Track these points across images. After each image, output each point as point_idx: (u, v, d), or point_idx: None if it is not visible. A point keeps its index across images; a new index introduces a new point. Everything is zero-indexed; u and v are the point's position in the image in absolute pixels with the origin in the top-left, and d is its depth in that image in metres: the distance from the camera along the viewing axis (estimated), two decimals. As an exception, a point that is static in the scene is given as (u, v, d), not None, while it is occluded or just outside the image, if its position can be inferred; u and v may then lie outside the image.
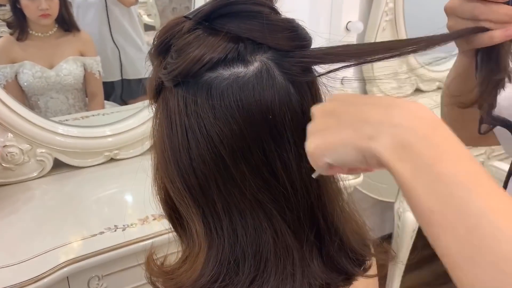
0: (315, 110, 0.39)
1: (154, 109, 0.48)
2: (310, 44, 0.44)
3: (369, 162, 0.33)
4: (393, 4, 1.73)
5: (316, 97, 0.46)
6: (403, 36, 1.83)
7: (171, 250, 0.55)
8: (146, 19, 1.67)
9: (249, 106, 0.41)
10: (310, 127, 0.38)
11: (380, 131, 0.32)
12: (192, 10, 0.45)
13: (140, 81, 1.58)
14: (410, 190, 0.30)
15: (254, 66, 0.42)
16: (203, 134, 0.42)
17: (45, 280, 0.88)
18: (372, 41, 1.76)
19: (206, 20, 0.43)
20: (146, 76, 1.49)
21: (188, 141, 0.43)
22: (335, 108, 0.37)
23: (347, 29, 1.63)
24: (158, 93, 0.46)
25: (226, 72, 0.41)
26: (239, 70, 0.41)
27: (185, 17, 0.44)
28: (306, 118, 0.44)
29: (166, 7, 1.70)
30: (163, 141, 0.45)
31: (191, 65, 0.41)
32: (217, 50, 0.41)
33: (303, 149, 0.42)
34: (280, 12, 0.45)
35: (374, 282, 0.59)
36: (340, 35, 1.62)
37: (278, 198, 0.44)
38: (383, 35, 1.78)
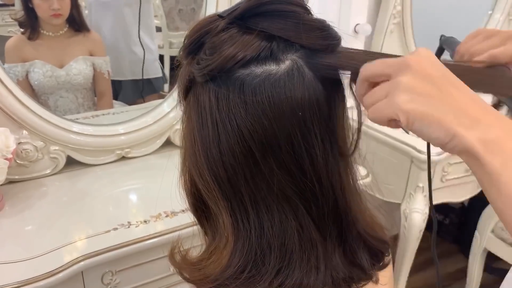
0: (415, 61, 0.39)
1: (183, 104, 0.49)
2: (340, 42, 0.46)
3: (451, 146, 0.37)
4: (401, 7, 1.75)
5: (342, 95, 0.47)
6: (410, 39, 1.84)
7: (189, 245, 0.56)
8: (153, 20, 1.68)
9: (280, 103, 0.42)
10: (407, 80, 0.38)
11: (476, 126, 0.37)
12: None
13: (149, 81, 1.59)
14: (497, 178, 0.35)
15: (286, 64, 0.43)
16: (234, 129, 0.43)
17: (60, 275, 0.89)
18: (380, 44, 1.77)
19: (240, 19, 0.44)
20: (153, 76, 1.47)
21: (218, 135, 0.44)
22: (438, 80, 0.39)
23: (355, 31, 1.65)
24: (188, 88, 0.47)
25: (258, 70, 0.43)
26: (271, 68, 0.43)
27: (218, 16, 0.45)
28: (333, 115, 0.45)
29: (172, 9, 1.71)
30: (193, 134, 0.47)
31: (225, 61, 0.42)
32: (251, 48, 0.43)
33: (330, 144, 0.43)
34: (312, 12, 0.46)
35: (391, 280, 0.60)
36: (349, 37, 1.64)
37: (304, 193, 0.45)
38: (391, 38, 1.79)
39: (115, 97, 1.53)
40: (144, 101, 1.57)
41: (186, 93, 0.48)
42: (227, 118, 0.43)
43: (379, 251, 0.53)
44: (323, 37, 0.44)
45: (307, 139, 0.44)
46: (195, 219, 0.54)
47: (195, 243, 0.56)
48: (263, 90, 0.42)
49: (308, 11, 0.46)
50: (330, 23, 0.46)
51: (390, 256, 0.57)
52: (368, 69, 0.42)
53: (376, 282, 0.51)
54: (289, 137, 0.43)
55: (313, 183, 0.45)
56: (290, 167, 0.44)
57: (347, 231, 0.49)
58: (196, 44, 0.46)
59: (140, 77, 1.56)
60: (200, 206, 0.52)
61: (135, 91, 1.58)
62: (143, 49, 1.51)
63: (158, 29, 1.71)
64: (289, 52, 0.43)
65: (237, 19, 0.44)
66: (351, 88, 0.46)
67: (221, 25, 0.44)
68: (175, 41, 1.74)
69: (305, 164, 0.44)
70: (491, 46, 0.65)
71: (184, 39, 0.47)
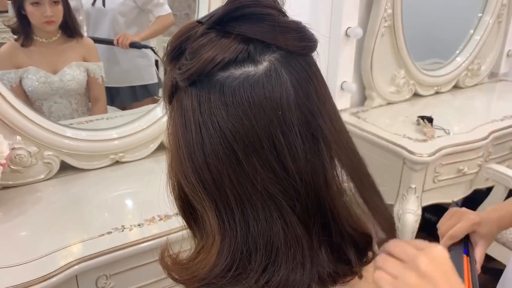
0: (425, 263, 0.49)
1: (168, 110, 0.50)
2: (316, 45, 0.47)
3: None
4: (392, 10, 1.77)
5: (320, 95, 0.48)
6: (401, 42, 1.85)
7: (182, 248, 0.56)
8: (148, 25, 1.69)
9: (259, 103, 0.43)
10: (414, 279, 0.49)
11: None
12: (195, 16, 0.47)
13: (145, 87, 1.61)
14: None
15: (263, 65, 0.44)
16: (217, 130, 0.44)
17: (54, 279, 0.90)
18: (371, 47, 1.79)
19: (218, 24, 0.45)
20: (149, 82, 1.49)
21: (202, 137, 0.45)
22: (440, 284, 0.48)
23: (346, 34, 1.66)
24: (172, 94, 0.49)
25: (237, 72, 0.44)
26: (250, 69, 0.44)
27: (198, 22, 0.47)
28: (312, 114, 0.46)
29: (166, 14, 1.72)
30: (177, 138, 0.48)
31: (204, 65, 0.44)
32: (229, 51, 0.44)
33: (312, 143, 0.45)
34: (288, 15, 0.47)
35: None
36: (340, 40, 1.65)
37: (288, 190, 0.46)
38: (382, 41, 1.81)
39: (112, 103, 1.54)
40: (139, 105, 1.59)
41: (170, 99, 0.49)
42: (209, 120, 0.44)
43: (364, 246, 0.54)
44: (299, 39, 0.46)
45: (288, 138, 0.45)
46: (184, 222, 0.55)
47: (187, 246, 0.57)
48: (243, 91, 0.43)
49: (283, 13, 0.47)
50: (307, 25, 0.47)
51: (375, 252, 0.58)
52: (393, 247, 0.53)
53: (360, 277, 0.52)
54: (271, 136, 0.44)
55: (296, 181, 0.46)
56: (273, 165, 0.45)
57: (332, 227, 0.50)
58: (178, 50, 0.47)
59: (136, 84, 1.58)
60: (188, 209, 0.52)
61: (131, 97, 1.59)
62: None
63: (153, 35, 1.72)
64: (266, 54, 0.45)
65: (215, 24, 0.45)
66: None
67: (200, 30, 0.46)
68: (170, 46, 1.77)
69: (287, 162, 0.45)
70: (450, 226, 0.85)
71: (167, 46, 0.48)
